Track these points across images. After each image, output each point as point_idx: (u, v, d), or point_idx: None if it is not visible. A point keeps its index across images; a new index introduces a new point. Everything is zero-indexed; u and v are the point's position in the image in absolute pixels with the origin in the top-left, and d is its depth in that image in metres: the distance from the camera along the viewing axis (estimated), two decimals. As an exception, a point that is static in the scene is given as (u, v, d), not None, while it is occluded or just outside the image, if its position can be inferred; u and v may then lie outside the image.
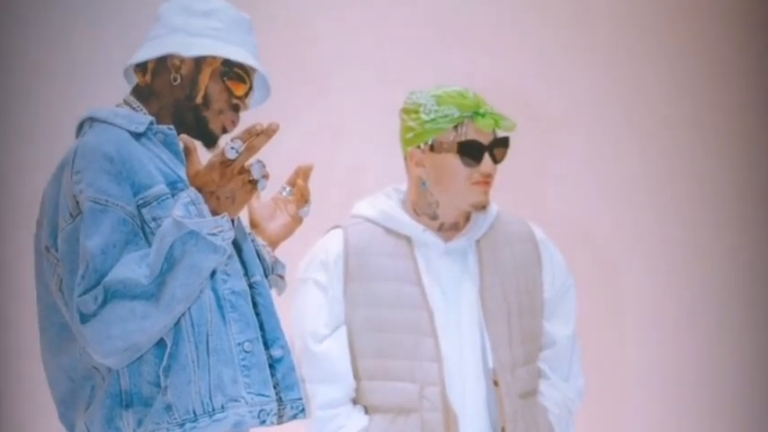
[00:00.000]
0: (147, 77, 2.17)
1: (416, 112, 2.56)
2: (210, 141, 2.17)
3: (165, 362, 1.96)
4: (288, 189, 2.38)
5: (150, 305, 1.89)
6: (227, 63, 2.16)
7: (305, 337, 2.57)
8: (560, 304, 2.70)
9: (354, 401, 2.58)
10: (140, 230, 1.98)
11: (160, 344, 1.97)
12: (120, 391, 1.98)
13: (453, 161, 2.54)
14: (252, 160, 1.92)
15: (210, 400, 1.98)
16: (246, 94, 2.19)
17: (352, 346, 2.57)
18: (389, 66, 3.65)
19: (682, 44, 3.82)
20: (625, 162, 3.80)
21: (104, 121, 2.08)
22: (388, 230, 2.62)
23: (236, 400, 2.01)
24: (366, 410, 2.57)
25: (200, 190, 1.93)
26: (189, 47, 2.14)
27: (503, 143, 2.58)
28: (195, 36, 2.16)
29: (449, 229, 2.63)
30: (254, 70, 2.21)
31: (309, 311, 2.58)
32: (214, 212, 1.93)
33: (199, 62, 2.15)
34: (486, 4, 3.77)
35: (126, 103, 2.17)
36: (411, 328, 2.54)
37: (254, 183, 1.93)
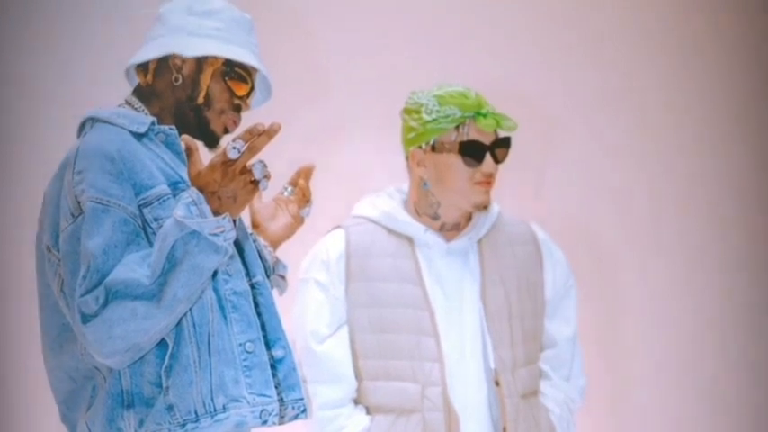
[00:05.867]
0: (149, 78, 2.16)
1: (418, 112, 2.57)
2: (212, 142, 2.17)
3: (166, 362, 1.96)
4: (289, 189, 2.37)
5: (152, 305, 1.88)
6: (229, 63, 2.16)
7: (306, 337, 2.57)
8: (561, 304, 2.70)
9: (356, 402, 2.59)
10: (142, 231, 1.97)
11: (162, 344, 1.96)
12: (121, 391, 1.98)
13: (455, 161, 2.54)
14: (253, 160, 1.92)
15: (212, 401, 1.98)
16: (248, 95, 2.19)
17: (354, 347, 2.57)
18: (391, 66, 3.65)
19: (682, 44, 3.82)
20: (625, 162, 3.80)
21: (106, 122, 2.08)
22: (390, 231, 2.62)
23: (238, 401, 2.00)
24: (367, 411, 2.58)
25: (201, 190, 1.93)
26: (190, 47, 2.14)
27: (504, 143, 2.59)
28: (196, 36, 2.15)
29: (450, 230, 2.63)
30: (255, 70, 2.21)
31: (311, 311, 2.58)
32: (216, 213, 1.92)
33: (200, 62, 2.15)
34: (487, 4, 3.77)
35: (127, 103, 2.17)
36: (413, 329, 2.55)
37: (255, 183, 1.93)
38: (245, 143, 1.89)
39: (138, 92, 2.18)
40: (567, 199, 3.77)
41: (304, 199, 2.36)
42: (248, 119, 2.09)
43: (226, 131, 2.19)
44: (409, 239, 2.61)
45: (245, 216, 2.15)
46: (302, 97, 3.57)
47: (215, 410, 1.98)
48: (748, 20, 3.83)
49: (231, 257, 2.05)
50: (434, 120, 2.54)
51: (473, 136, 2.54)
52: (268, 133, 1.89)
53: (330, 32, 3.70)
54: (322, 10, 3.71)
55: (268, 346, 2.10)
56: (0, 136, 3.65)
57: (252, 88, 2.20)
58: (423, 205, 2.63)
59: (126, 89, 2.22)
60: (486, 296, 2.59)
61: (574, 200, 3.77)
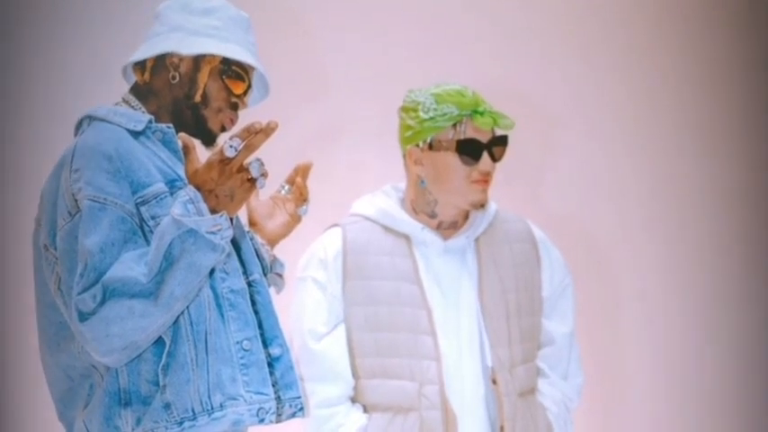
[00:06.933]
0: (146, 76, 2.17)
1: (415, 110, 2.57)
2: (209, 140, 2.18)
3: (163, 360, 1.96)
4: (287, 187, 2.38)
5: (149, 303, 1.89)
6: (226, 61, 2.16)
7: (304, 335, 2.57)
8: (559, 302, 2.70)
9: (353, 400, 2.59)
10: (139, 229, 1.98)
11: (159, 342, 1.97)
12: (118, 389, 1.98)
13: (452, 160, 2.54)
14: (251, 158, 1.92)
15: (209, 399, 1.98)
16: (245, 93, 2.20)
17: (351, 345, 2.57)
18: (388, 65, 3.65)
19: (681, 44, 3.82)
20: (625, 161, 3.80)
21: (103, 120, 2.08)
22: (387, 229, 2.62)
23: (235, 399, 2.01)
24: (365, 409, 2.57)
25: (198, 188, 1.93)
26: (188, 45, 2.14)
27: (501, 141, 2.59)
28: (194, 34, 2.16)
29: (447, 228, 2.63)
30: (252, 69, 2.21)
31: (308, 310, 2.58)
32: (213, 211, 1.93)
33: (198, 60, 2.15)
34: (486, 4, 3.77)
35: (125, 101, 2.17)
36: (410, 327, 2.55)
37: (252, 181, 1.93)
38: (243, 141, 1.89)
39: (136, 90, 2.18)
40: (567, 199, 3.77)
41: (301, 197, 2.37)
42: (245, 117, 2.09)
43: (223, 130, 2.19)
44: (406, 237, 2.61)
45: (242, 214, 2.15)
46: (300, 96, 3.57)
47: (212, 409, 1.98)
48: (749, 20, 3.83)
49: (228, 255, 2.06)
50: (432, 118, 2.54)
51: (470, 134, 2.54)
52: (265, 131, 1.89)
53: (328, 31, 3.70)
54: (320, 9, 3.71)
55: (265, 345, 2.10)
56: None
57: (249, 86, 2.20)
58: (420, 203, 2.63)
59: (123, 88, 2.22)
60: (484, 294, 2.59)
61: (574, 200, 3.77)
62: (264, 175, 1.93)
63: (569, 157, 3.78)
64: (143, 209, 1.99)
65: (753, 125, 3.82)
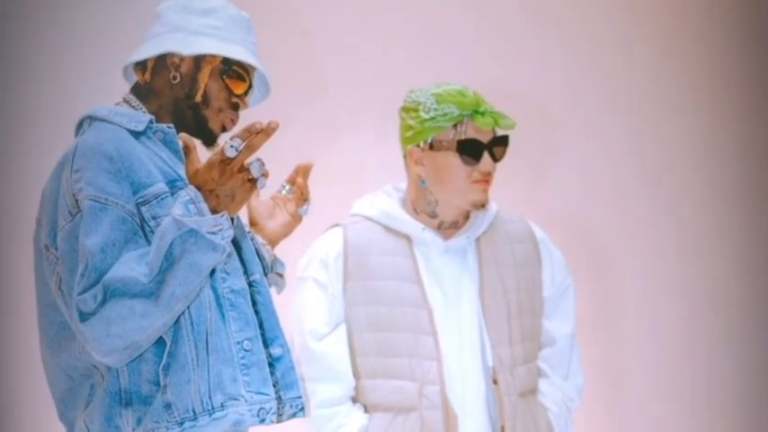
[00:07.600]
0: (147, 76, 2.17)
1: (416, 110, 2.57)
2: (210, 140, 2.18)
3: (164, 360, 1.96)
4: (287, 187, 2.38)
5: (150, 303, 1.89)
6: (227, 61, 2.16)
7: (304, 335, 2.57)
8: (560, 303, 2.70)
9: (354, 400, 2.59)
10: (140, 229, 1.98)
11: (160, 342, 1.97)
12: (119, 389, 1.98)
13: (453, 160, 2.54)
14: (251, 159, 1.92)
15: (210, 399, 1.98)
16: (246, 93, 2.19)
17: (352, 345, 2.57)
18: (389, 65, 3.65)
19: (681, 44, 3.82)
20: (625, 161, 3.80)
21: (104, 120, 2.08)
22: (388, 229, 2.62)
23: (236, 399, 2.01)
24: (365, 409, 2.57)
25: (199, 188, 1.93)
26: (188, 45, 2.14)
27: (502, 142, 2.59)
28: (195, 34, 2.16)
29: (448, 228, 2.63)
30: (253, 69, 2.21)
31: (309, 310, 2.58)
32: (213, 211, 1.93)
33: (198, 60, 2.15)
34: (486, 4, 3.77)
35: (125, 101, 2.17)
36: (411, 327, 2.55)
37: (253, 181, 1.93)
38: (243, 141, 1.89)
39: (137, 90, 2.18)
40: (568, 199, 3.77)
41: (302, 197, 2.37)
42: (246, 117, 2.09)
43: (224, 130, 2.19)
44: (407, 238, 2.61)
45: (243, 214, 2.15)
46: (300, 96, 3.57)
47: (213, 409, 1.98)
48: (749, 19, 3.83)
49: (229, 256, 2.06)
50: (432, 118, 2.54)
51: (471, 134, 2.54)
52: (266, 131, 1.89)
53: (328, 31, 3.70)
54: (320, 9, 3.71)
55: (266, 345, 2.10)
56: (0, 135, 3.65)
57: (250, 86, 2.20)
58: (421, 203, 2.63)
59: (123, 88, 2.22)
60: (485, 294, 2.59)
61: (574, 200, 3.77)
62: (265, 175, 1.93)
63: (569, 156, 3.78)
64: (144, 209, 1.99)
65: (754, 124, 3.82)
